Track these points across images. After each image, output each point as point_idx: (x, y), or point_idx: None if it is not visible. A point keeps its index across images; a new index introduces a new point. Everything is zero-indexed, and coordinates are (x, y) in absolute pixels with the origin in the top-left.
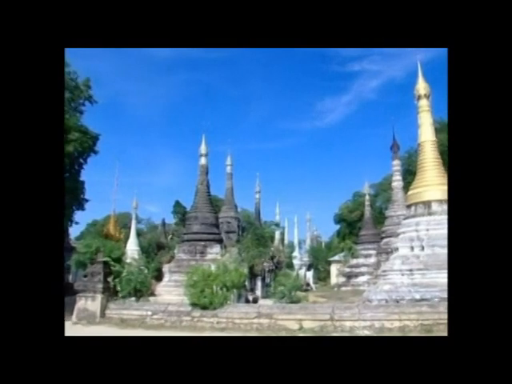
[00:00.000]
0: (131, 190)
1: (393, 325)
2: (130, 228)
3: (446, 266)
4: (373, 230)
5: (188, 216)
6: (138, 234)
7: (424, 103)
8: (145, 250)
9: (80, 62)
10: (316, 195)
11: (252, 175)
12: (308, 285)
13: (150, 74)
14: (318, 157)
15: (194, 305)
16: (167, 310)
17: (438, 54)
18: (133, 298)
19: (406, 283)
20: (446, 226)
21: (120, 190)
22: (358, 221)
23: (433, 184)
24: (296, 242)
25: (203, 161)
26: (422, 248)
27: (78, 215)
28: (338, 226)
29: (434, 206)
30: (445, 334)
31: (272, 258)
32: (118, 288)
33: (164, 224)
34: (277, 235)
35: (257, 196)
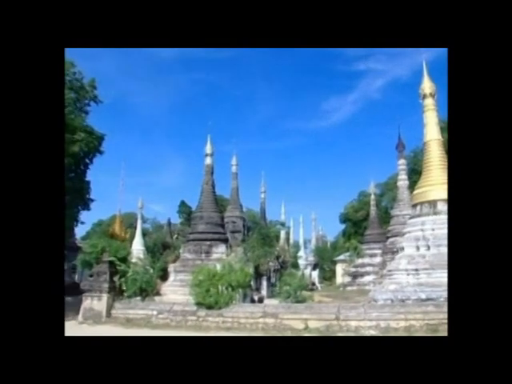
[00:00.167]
0: (137, 190)
1: (398, 325)
2: (135, 228)
3: None
4: (378, 230)
5: (193, 216)
6: (144, 233)
7: (429, 102)
8: (150, 250)
9: (85, 62)
10: (321, 195)
11: (257, 175)
12: (313, 284)
13: (156, 74)
14: (324, 156)
15: (199, 304)
16: (172, 310)
17: (444, 53)
18: (138, 298)
19: (412, 283)
20: None
21: (126, 190)
22: (363, 220)
23: (438, 183)
24: (301, 241)
25: (208, 160)
26: (428, 247)
27: (84, 215)
28: (343, 226)
29: (440, 206)
30: None
31: (277, 257)
32: (124, 288)
33: (169, 224)
34: (282, 235)
35: (262, 195)
